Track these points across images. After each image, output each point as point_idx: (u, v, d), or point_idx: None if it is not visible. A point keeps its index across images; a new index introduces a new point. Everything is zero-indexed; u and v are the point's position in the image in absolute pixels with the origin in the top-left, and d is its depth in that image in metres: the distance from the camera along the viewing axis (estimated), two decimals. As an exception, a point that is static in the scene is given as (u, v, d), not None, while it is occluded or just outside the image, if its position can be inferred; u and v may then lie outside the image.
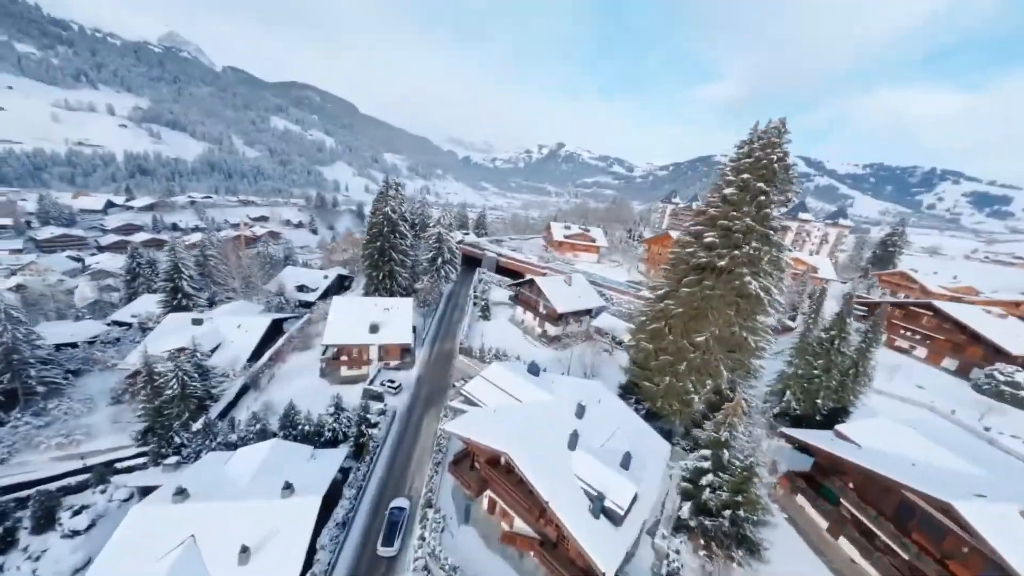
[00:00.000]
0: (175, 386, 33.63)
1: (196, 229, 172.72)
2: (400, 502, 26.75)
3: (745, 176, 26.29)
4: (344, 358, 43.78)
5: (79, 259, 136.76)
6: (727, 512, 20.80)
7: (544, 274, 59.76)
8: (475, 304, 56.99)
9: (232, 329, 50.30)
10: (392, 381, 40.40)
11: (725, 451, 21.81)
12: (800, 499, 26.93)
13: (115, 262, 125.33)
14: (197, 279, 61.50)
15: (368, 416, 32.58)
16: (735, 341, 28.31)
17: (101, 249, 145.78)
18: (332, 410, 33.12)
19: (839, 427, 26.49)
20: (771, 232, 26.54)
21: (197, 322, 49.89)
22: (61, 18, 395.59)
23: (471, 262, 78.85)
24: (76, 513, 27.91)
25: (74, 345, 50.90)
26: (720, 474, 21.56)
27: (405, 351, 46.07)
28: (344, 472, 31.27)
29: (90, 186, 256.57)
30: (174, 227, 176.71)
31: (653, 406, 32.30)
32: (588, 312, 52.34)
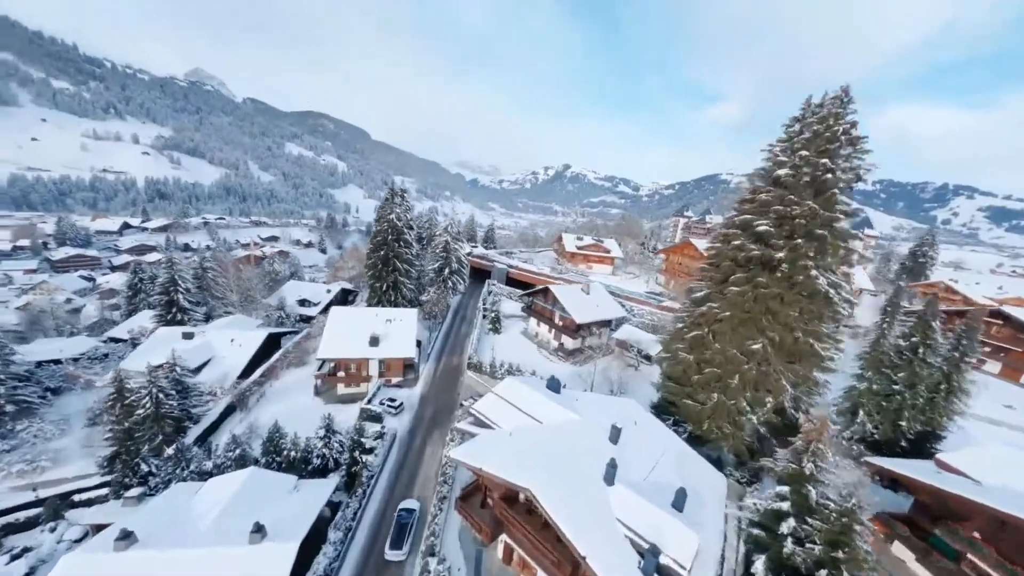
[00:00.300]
0: (148, 405, 29.76)
1: (208, 248, 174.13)
2: (409, 503, 25.01)
3: (803, 154, 22.35)
4: (341, 374, 39.65)
5: (91, 278, 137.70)
6: (822, 573, 15.62)
7: (559, 283, 55.68)
8: (484, 316, 52.88)
9: (224, 344, 46.82)
10: (392, 400, 36.00)
11: (811, 488, 16.81)
12: (899, 549, 21.32)
13: (124, 281, 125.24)
14: (195, 293, 58.84)
15: (363, 440, 28.10)
16: (798, 349, 23.57)
17: (113, 269, 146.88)
18: (322, 433, 28.77)
19: (941, 456, 21.22)
20: (839, 217, 22.28)
21: (188, 336, 46.59)
22: (95, 56, 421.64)
23: (480, 275, 75.47)
24: (15, 558, 23.60)
25: (58, 362, 47.79)
26: (807, 520, 16.49)
27: (408, 367, 41.83)
28: (333, 507, 26.63)
29: (111, 210, 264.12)
30: (186, 247, 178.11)
31: (696, 428, 27.26)
32: (608, 323, 47.76)
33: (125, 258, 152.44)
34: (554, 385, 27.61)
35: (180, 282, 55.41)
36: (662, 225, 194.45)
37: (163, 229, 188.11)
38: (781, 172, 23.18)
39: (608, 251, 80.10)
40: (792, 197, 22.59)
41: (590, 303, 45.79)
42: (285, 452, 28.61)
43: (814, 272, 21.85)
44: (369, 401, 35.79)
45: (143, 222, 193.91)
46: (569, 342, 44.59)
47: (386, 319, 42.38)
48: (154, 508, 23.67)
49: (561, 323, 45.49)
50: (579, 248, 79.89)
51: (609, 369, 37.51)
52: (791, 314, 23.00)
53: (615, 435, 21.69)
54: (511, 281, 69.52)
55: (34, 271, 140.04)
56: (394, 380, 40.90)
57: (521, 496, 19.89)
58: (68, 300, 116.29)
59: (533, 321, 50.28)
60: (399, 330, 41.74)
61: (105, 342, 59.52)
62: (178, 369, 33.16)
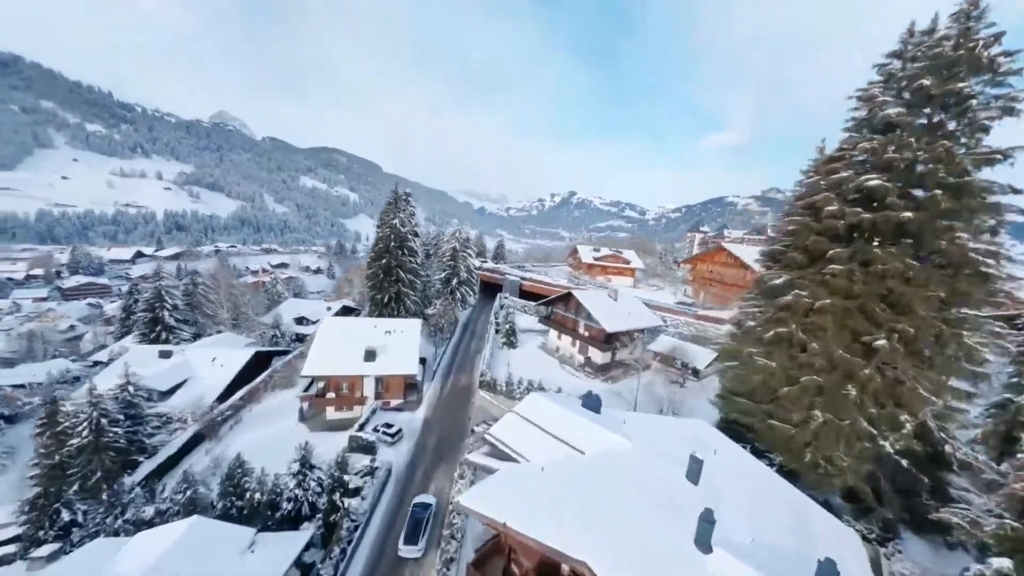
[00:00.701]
0: (86, 433, 24.00)
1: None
2: (425, 498, 22.98)
3: (923, 83, 16.88)
4: (331, 395, 33.57)
5: (98, 305, 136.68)
6: None
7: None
8: (498, 331, 46.86)
9: (205, 364, 41.44)
10: (389, 426, 29.63)
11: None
12: None
13: (119, 303, 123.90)
14: (183, 310, 54.41)
15: (345, 479, 21.71)
16: (943, 344, 17.02)
17: (122, 296, 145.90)
18: (295, 468, 22.46)
19: None
20: (985, 161, 16.42)
21: (164, 355, 41.46)
22: (128, 102, 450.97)
23: (490, 289, 70.25)
24: None
25: (23, 387, 42.83)
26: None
27: (410, 386, 35.66)
28: (305, 569, 19.98)
29: (129, 241, 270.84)
30: (195, 274, 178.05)
31: (789, 460, 20.28)
32: (641, 333, 41.24)
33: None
34: (593, 403, 21.26)
35: (167, 298, 51.09)
36: (675, 247, 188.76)
37: (175, 257, 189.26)
38: (891, 112, 17.64)
39: (628, 262, 74.34)
40: (912, 140, 16.92)
41: (620, 310, 39.58)
42: (249, 494, 22.29)
43: (962, 236, 15.75)
44: (361, 427, 29.45)
45: (156, 251, 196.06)
46: (597, 355, 38.03)
47: (385, 330, 36.70)
48: (61, 574, 17.48)
49: (587, 334, 39.17)
50: (596, 259, 74.35)
51: (653, 385, 30.74)
52: (925, 296, 16.65)
53: (695, 470, 15.10)
54: (524, 294, 63.81)
55: (44, 299, 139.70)
56: (393, 402, 34.65)
57: (565, 567, 13.25)
58: (71, 327, 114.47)
59: (553, 333, 44.02)
60: (400, 343, 35.91)
61: (91, 366, 55.20)
62: (130, 389, 27.61)
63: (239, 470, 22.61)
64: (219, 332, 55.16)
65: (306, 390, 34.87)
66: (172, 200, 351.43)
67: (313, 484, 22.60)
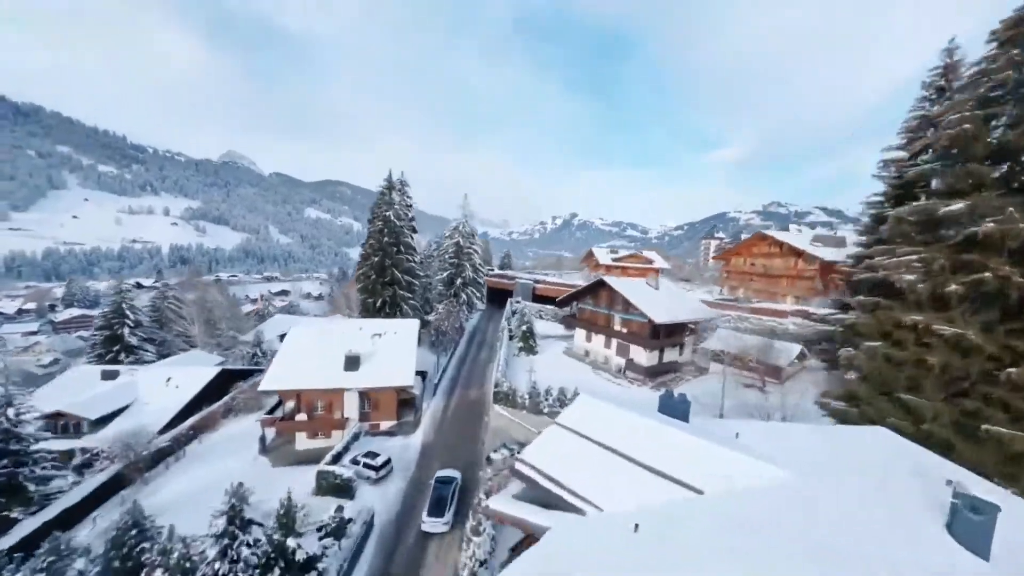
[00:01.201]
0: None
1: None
2: (448, 472, 19.94)
3: None
4: (302, 417, 25.67)
5: (89, 338, 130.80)
6: None
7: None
8: (512, 337, 39.14)
9: (156, 386, 33.92)
10: (374, 456, 21.56)
11: None
12: None
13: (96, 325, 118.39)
14: (149, 327, 47.48)
15: (290, 543, 13.68)
16: None
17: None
18: (220, 526, 14.45)
19: None
20: None
21: (109, 376, 34.14)
22: (140, 144, 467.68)
23: (498, 298, 63.10)
24: None
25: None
26: None
27: (406, 404, 27.78)
28: None
29: (132, 276, 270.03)
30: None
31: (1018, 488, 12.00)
32: (690, 331, 33.27)
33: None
34: (678, 407, 13.59)
35: (129, 313, 44.29)
36: (680, 263, 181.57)
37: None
38: None
39: (651, 261, 66.93)
40: None
41: (665, 300, 31.88)
42: (146, 570, 14.25)
43: None
44: (335, 459, 21.39)
45: (155, 282, 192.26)
46: (642, 356, 29.97)
47: (373, 333, 29.21)
48: None
49: (626, 330, 31.33)
50: (616, 260, 67.10)
51: (718, 391, 22.64)
52: None
53: (974, 526, 7.13)
54: (538, 299, 56.34)
55: (34, 332, 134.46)
56: (384, 424, 26.67)
57: None
58: (55, 360, 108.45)
59: (580, 334, 36.17)
60: (392, 348, 28.33)
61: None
62: (9, 415, 19.86)
63: (134, 532, 14.66)
64: (193, 347, 47.88)
65: (271, 412, 27.01)
66: (178, 234, 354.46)
67: (246, 552, 14.50)
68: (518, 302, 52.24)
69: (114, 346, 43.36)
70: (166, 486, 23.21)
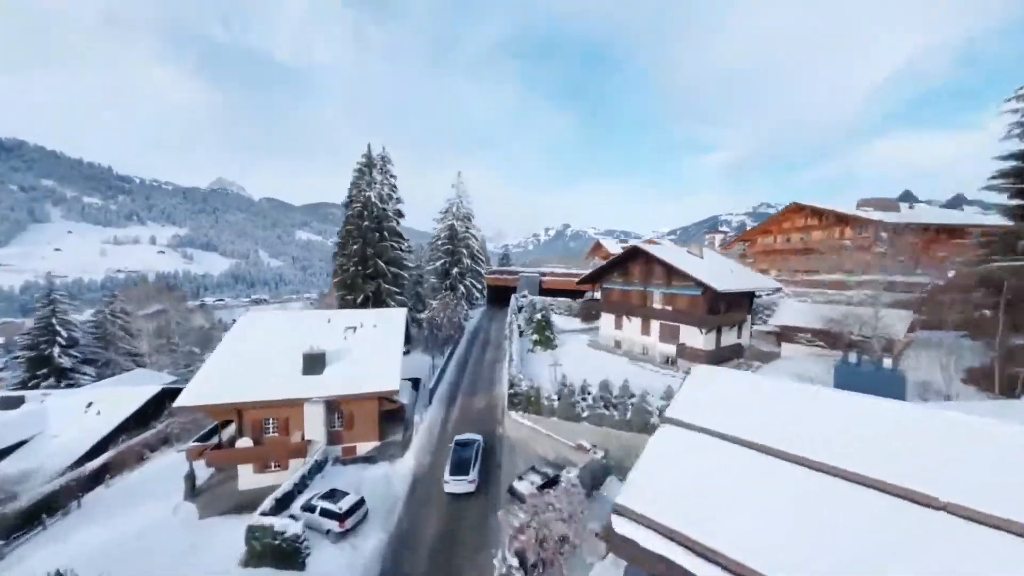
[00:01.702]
0: None
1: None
2: (468, 436, 18.21)
3: None
4: (245, 443, 18.37)
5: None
6: None
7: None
8: (522, 334, 32.24)
9: (74, 413, 26.43)
10: (336, 497, 14.33)
11: None
12: None
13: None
14: (87, 347, 40.01)
15: None
16: None
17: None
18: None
19: None
20: None
21: (9, 403, 26.63)
22: (126, 174, 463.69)
23: (500, 296, 56.55)
24: None
25: None
26: None
27: (390, 417, 20.65)
28: None
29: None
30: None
31: None
32: (750, 301, 26.66)
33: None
34: (877, 379, 6.79)
35: (60, 329, 36.93)
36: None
37: (155, 315, 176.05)
38: None
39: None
40: None
41: (716, 269, 25.44)
42: None
43: None
44: (282, 504, 14.16)
45: (137, 309, 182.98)
46: (697, 339, 23.18)
47: (346, 326, 22.27)
48: None
49: (670, 308, 24.67)
50: (625, 250, 60.69)
51: (804, 375, 16.09)
52: None
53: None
54: (545, 293, 49.84)
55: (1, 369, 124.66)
56: (362, 447, 19.51)
57: None
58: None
59: (608, 322, 29.45)
60: (371, 344, 21.38)
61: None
62: None
63: None
64: (136, 370, 40.22)
65: (206, 437, 19.67)
66: (164, 262, 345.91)
67: None
68: (524, 296, 45.55)
69: (41, 369, 35.79)
70: (40, 553, 15.69)
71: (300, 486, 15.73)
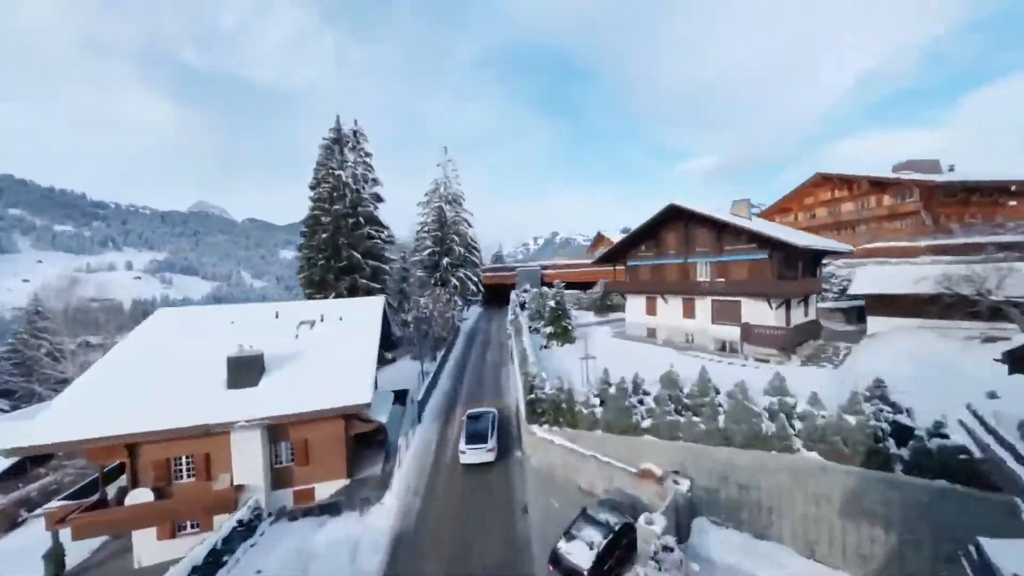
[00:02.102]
0: None
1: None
2: (481, 409, 16.73)
3: None
4: (143, 495, 12.16)
5: (18, 406, 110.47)
6: None
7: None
8: (531, 330, 26.60)
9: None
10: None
11: None
12: None
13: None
14: (2, 375, 33.00)
15: None
16: None
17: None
18: None
19: None
20: None
21: None
22: (101, 200, 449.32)
23: (497, 295, 51.35)
24: None
25: None
26: None
27: (364, 441, 14.66)
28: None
29: (86, 334, 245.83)
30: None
31: None
32: (835, 255, 21.51)
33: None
34: None
35: (-39, 355, 29.86)
36: None
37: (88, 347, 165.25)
38: None
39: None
40: None
41: (774, 228, 20.31)
42: None
43: None
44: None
45: (104, 339, 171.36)
46: (767, 315, 17.81)
47: (300, 321, 16.38)
48: None
49: (723, 280, 19.38)
50: (632, 241, 55.93)
51: (915, 354, 10.85)
52: None
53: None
54: (547, 287, 44.47)
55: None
56: (323, 490, 13.42)
57: None
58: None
59: (636, 307, 24.00)
60: (335, 343, 15.52)
61: None
62: None
63: None
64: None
65: (83, 492, 13.37)
66: (141, 289, 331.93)
67: None
68: (526, 290, 40.01)
69: (-68, 406, 28.62)
70: None
71: (209, 565, 9.66)
